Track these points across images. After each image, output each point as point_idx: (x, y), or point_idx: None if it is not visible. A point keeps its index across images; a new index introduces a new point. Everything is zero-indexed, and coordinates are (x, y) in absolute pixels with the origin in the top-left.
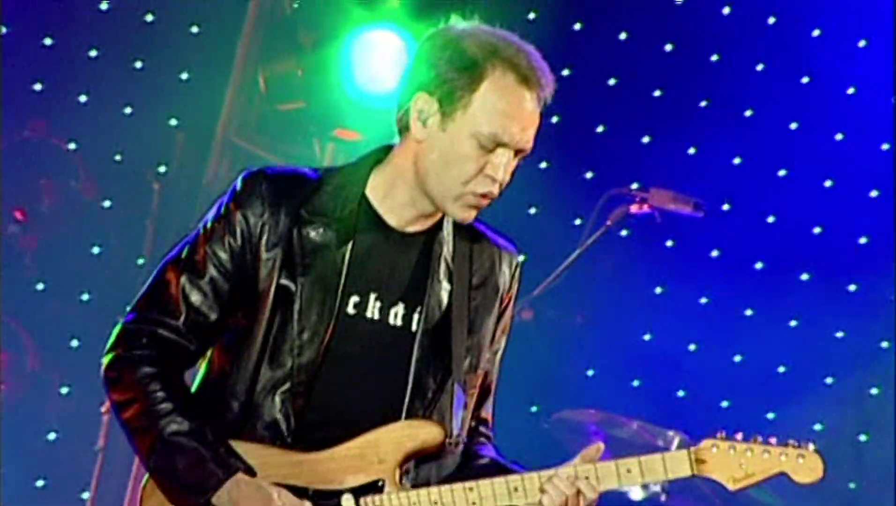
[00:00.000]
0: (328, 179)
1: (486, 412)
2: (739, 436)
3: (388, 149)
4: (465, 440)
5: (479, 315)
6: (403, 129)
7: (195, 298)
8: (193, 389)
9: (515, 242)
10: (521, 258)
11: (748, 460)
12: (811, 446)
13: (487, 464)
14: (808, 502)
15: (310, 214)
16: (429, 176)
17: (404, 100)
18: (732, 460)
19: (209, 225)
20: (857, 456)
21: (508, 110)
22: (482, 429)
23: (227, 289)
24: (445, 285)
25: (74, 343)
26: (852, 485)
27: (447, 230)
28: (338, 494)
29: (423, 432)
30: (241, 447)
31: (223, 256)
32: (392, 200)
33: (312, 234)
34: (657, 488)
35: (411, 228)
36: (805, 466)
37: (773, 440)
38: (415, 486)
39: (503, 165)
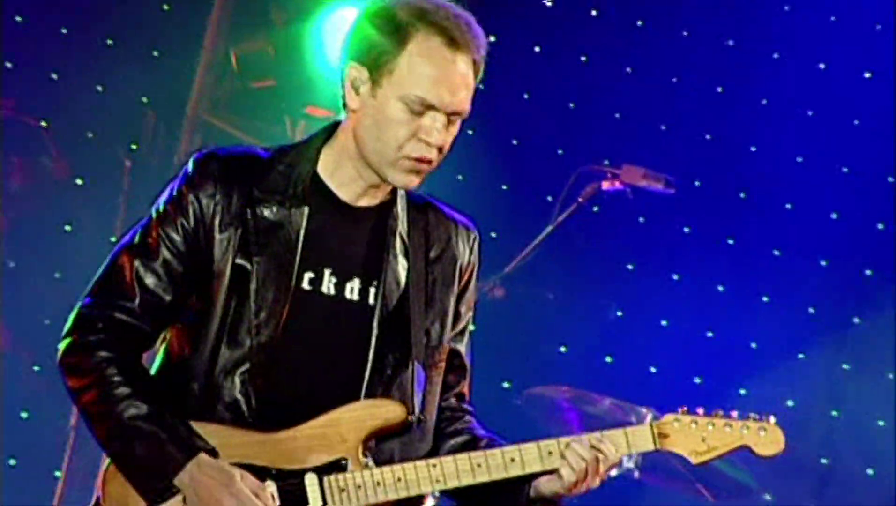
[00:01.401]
0: (280, 158)
1: (465, 389)
2: (701, 411)
3: (336, 125)
4: (433, 420)
5: (437, 289)
6: (344, 102)
7: (149, 280)
8: (153, 371)
9: (487, 217)
10: (478, 234)
11: (710, 434)
12: (772, 420)
13: (478, 441)
14: (781, 477)
15: (263, 193)
16: (365, 144)
17: (341, 72)
18: (695, 434)
19: (161, 208)
20: (828, 431)
21: (435, 74)
22: (465, 405)
23: (180, 271)
24: (402, 261)
25: (46, 322)
26: (824, 461)
27: (400, 206)
28: (301, 473)
29: (384, 411)
30: (202, 429)
31: (176, 237)
32: (341, 174)
33: (266, 212)
34: (630, 465)
35: (363, 203)
36: (767, 439)
37: (735, 414)
38: (378, 464)
39: (436, 128)
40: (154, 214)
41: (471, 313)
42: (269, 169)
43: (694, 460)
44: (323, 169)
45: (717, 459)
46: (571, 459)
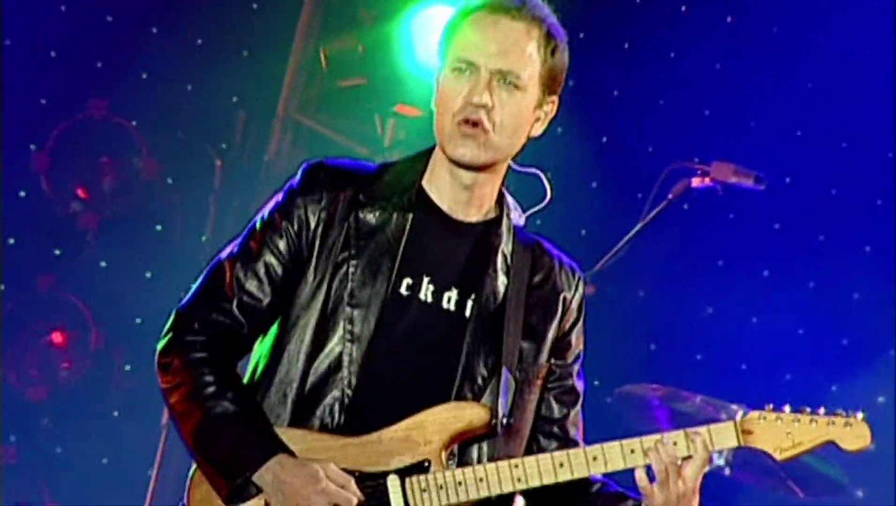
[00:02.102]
0: (387, 169)
1: (579, 420)
2: (787, 408)
3: None
4: (526, 433)
5: (535, 313)
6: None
7: (249, 282)
8: (247, 375)
9: (576, 216)
10: (583, 276)
11: (795, 430)
12: (859, 415)
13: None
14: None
15: (367, 198)
16: (436, 131)
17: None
18: (779, 430)
19: (266, 215)
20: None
21: (475, 36)
22: (580, 442)
23: (281, 274)
24: (502, 278)
25: (138, 320)
26: None
27: (506, 225)
28: (384, 475)
29: (468, 413)
30: (287, 434)
31: (279, 241)
32: (437, 180)
33: (369, 216)
34: (721, 462)
35: (464, 216)
36: (852, 433)
37: (822, 410)
38: (461, 467)
39: (479, 87)
40: (258, 222)
41: (581, 347)
42: (375, 178)
43: (778, 455)
44: (427, 182)
45: (803, 454)
46: (652, 458)
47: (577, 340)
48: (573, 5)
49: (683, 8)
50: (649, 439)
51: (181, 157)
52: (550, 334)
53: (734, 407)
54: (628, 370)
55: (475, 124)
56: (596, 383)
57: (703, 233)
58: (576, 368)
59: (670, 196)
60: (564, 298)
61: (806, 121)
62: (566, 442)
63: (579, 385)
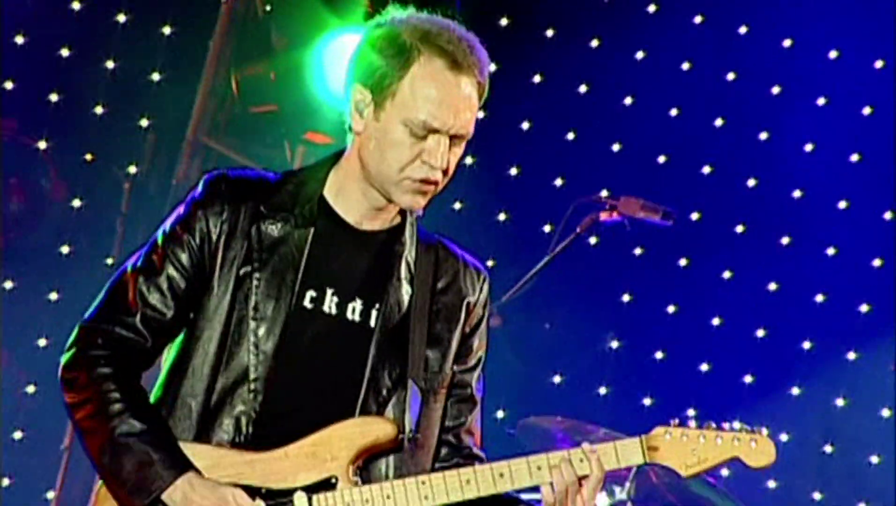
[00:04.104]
0: (289, 179)
1: (476, 426)
2: (692, 423)
3: (344, 150)
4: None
5: (440, 320)
6: (350, 125)
7: (152, 296)
8: (154, 390)
9: (484, 246)
10: (487, 275)
11: (701, 447)
12: (764, 431)
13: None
14: None
15: (269, 211)
16: (369, 166)
17: (346, 95)
18: (685, 447)
19: (168, 228)
20: (822, 466)
21: (438, 96)
22: (476, 451)
23: (183, 287)
24: (406, 287)
25: (42, 342)
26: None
27: (409, 233)
28: (290, 492)
29: (375, 429)
30: (193, 449)
31: (181, 255)
32: (345, 196)
33: (271, 228)
34: (623, 496)
35: (369, 226)
36: (758, 450)
37: (727, 426)
38: (369, 483)
39: (439, 151)
40: (160, 235)
41: (483, 351)
42: (277, 189)
43: (684, 472)
44: (329, 192)
45: (709, 471)
46: (555, 475)
47: (479, 343)
48: (484, 36)
49: (595, 43)
50: (555, 456)
51: (89, 179)
52: (455, 341)
53: None
54: (533, 402)
55: (431, 183)
56: (500, 414)
57: (610, 267)
58: (476, 373)
59: (578, 229)
60: (468, 303)
61: (715, 157)
62: (458, 450)
63: (478, 393)
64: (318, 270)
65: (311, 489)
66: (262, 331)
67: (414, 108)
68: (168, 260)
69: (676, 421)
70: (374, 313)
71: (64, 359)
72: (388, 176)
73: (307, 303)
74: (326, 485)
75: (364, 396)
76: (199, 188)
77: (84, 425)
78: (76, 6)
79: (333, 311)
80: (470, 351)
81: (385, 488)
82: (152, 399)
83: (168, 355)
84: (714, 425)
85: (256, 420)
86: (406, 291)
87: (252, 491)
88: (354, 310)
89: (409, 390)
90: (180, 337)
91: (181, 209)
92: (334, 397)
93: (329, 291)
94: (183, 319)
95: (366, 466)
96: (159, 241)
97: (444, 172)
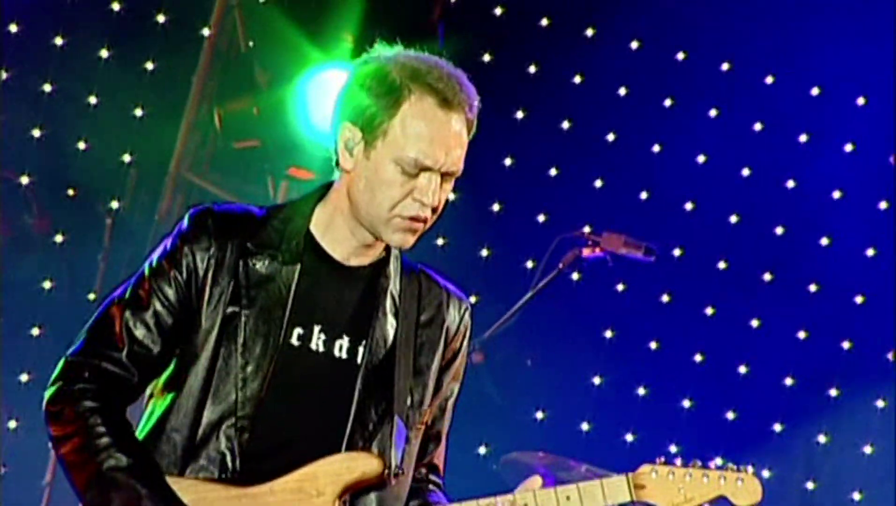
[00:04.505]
0: (274, 214)
1: (438, 460)
2: (678, 461)
3: (330, 185)
4: (410, 476)
5: (423, 353)
6: (337, 162)
7: (138, 331)
8: (141, 425)
9: (467, 282)
10: (469, 305)
11: (687, 485)
12: (750, 470)
13: None
14: None
15: (256, 247)
16: (359, 204)
17: (334, 132)
18: (672, 485)
19: (155, 262)
20: (804, 502)
21: (429, 134)
22: (432, 477)
23: (170, 323)
24: (391, 320)
25: (24, 377)
26: None
27: (393, 266)
28: None
29: (361, 464)
30: (179, 484)
31: (168, 290)
32: (333, 233)
33: (258, 265)
34: None
35: (355, 262)
36: (744, 489)
37: (713, 464)
38: None
39: (431, 189)
40: (147, 268)
41: (456, 385)
42: (263, 224)
43: None
44: (316, 227)
45: None
46: None
47: (450, 380)
48: (465, 71)
49: (577, 79)
50: (541, 493)
51: (71, 214)
52: (434, 373)
53: (619, 477)
54: (515, 438)
55: (421, 221)
56: (482, 449)
57: (592, 303)
58: (447, 414)
59: (560, 265)
60: (447, 331)
61: (697, 193)
62: (421, 481)
63: (444, 430)
64: (305, 307)
65: None
66: (249, 368)
67: (405, 147)
68: (155, 295)
69: (662, 459)
70: (360, 350)
71: (49, 393)
72: (378, 214)
73: (294, 340)
74: None
75: (350, 431)
76: (185, 223)
77: (70, 459)
78: (58, 41)
79: (321, 348)
80: (440, 386)
81: None
82: (138, 433)
83: (153, 389)
84: (700, 464)
85: (242, 456)
86: (391, 324)
87: None
88: (342, 347)
89: (395, 425)
90: (167, 372)
91: (167, 243)
92: (321, 432)
93: (316, 329)
94: (169, 354)
95: (351, 501)
96: (146, 274)
97: (434, 210)
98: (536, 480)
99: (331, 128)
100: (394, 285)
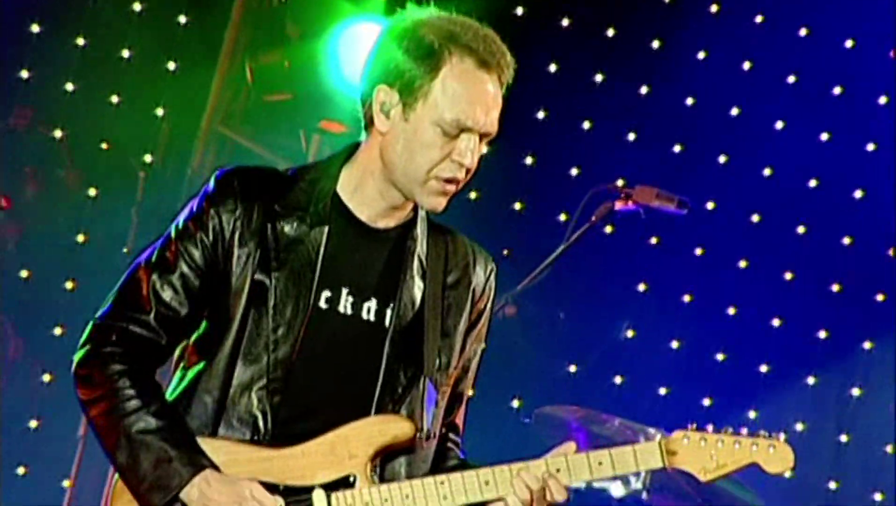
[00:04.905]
0: (301, 175)
1: (459, 419)
2: (710, 428)
3: (357, 145)
4: (436, 436)
5: (451, 315)
6: (368, 122)
7: (166, 293)
8: (172, 387)
9: (499, 236)
10: (495, 266)
11: (719, 452)
12: (781, 437)
13: (456, 465)
14: (790, 500)
15: (283, 209)
16: (395, 166)
17: (366, 94)
18: (703, 452)
19: (181, 224)
20: (836, 455)
21: (469, 95)
22: (451, 435)
23: (197, 285)
24: (419, 283)
25: (57, 331)
26: (832, 485)
27: (420, 228)
28: (309, 489)
29: (393, 427)
30: (210, 445)
31: (195, 252)
32: (361, 194)
33: (287, 228)
34: (639, 486)
35: (382, 224)
36: (776, 456)
37: (744, 431)
38: (385, 481)
39: (470, 149)
40: (174, 230)
41: (480, 346)
42: (290, 186)
43: (703, 477)
44: (343, 188)
45: (727, 476)
46: (517, 486)
47: (478, 335)
48: (500, 26)
49: (611, 33)
50: (573, 459)
51: (105, 168)
52: (461, 335)
53: (652, 430)
54: (548, 391)
55: (455, 182)
56: (515, 403)
57: (625, 256)
58: (469, 375)
59: (593, 218)
60: (474, 291)
61: (729, 146)
62: (443, 441)
63: (468, 386)
64: (333, 269)
65: (329, 487)
66: (280, 331)
67: (446, 109)
68: (181, 257)
69: (694, 425)
70: (388, 312)
71: (77, 356)
72: (416, 176)
73: (322, 303)
74: (345, 483)
75: (380, 394)
76: (211, 184)
77: (99, 422)
78: None
79: (349, 311)
80: (464, 348)
81: (404, 488)
82: (168, 396)
83: (183, 351)
84: (732, 431)
85: (273, 418)
86: (419, 287)
87: (270, 488)
88: (370, 310)
89: (425, 388)
90: (196, 334)
91: (193, 204)
92: (350, 396)
93: (344, 291)
94: (197, 316)
95: (381, 463)
96: (172, 236)
97: (468, 171)
98: (570, 445)
99: (361, 88)
100: (421, 247)
